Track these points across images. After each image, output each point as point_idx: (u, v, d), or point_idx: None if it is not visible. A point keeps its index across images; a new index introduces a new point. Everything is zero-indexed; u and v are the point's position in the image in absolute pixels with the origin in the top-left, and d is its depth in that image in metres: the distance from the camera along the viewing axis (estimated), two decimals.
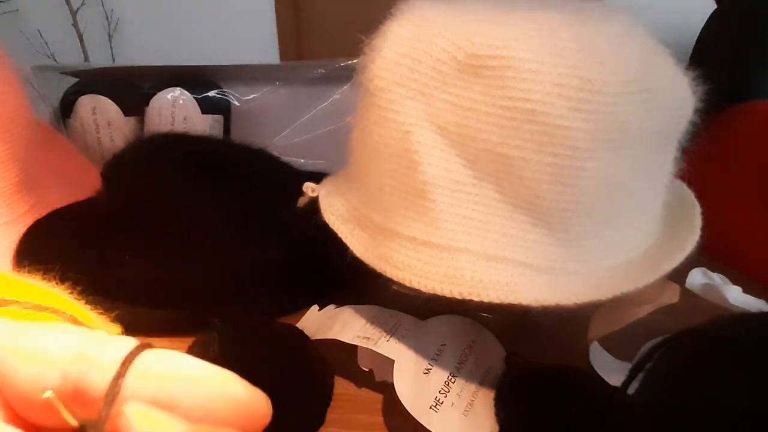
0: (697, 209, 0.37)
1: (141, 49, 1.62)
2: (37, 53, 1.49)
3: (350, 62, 0.63)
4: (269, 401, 0.14)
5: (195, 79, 0.67)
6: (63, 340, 0.13)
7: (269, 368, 0.34)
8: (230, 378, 0.14)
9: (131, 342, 0.14)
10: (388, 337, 0.35)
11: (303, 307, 0.42)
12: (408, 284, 0.32)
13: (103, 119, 0.64)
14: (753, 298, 0.39)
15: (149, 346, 0.14)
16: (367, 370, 0.36)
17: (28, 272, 0.27)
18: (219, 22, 1.57)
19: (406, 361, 0.34)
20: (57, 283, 0.26)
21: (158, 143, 0.51)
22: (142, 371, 0.13)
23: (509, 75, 0.29)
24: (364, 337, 0.35)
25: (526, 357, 0.36)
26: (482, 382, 0.35)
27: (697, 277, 0.42)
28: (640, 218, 0.34)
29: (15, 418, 0.13)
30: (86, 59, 1.55)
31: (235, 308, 0.41)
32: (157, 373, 0.13)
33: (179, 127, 0.64)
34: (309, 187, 0.41)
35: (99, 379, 0.13)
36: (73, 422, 0.12)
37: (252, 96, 0.68)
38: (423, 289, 0.31)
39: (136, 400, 0.13)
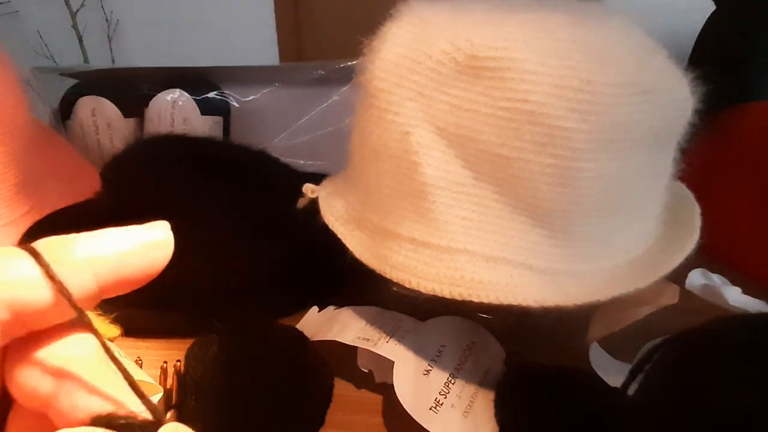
0: (697, 210, 0.37)
1: (140, 51, 1.62)
2: (37, 54, 1.49)
3: (350, 63, 0.63)
4: (168, 227, 0.17)
5: (194, 81, 0.67)
6: None
7: (269, 369, 0.34)
8: (134, 232, 0.16)
9: (22, 252, 0.14)
10: (388, 338, 0.35)
11: (302, 309, 0.42)
12: (407, 285, 0.32)
13: (103, 120, 0.64)
14: (752, 298, 0.39)
15: (32, 246, 0.14)
16: (366, 371, 0.36)
17: None
18: (219, 23, 1.58)
19: (405, 362, 0.34)
20: None
21: (158, 144, 0.51)
22: (74, 263, 0.14)
23: (509, 76, 0.29)
24: (363, 339, 0.35)
25: (526, 358, 0.36)
26: (482, 383, 0.35)
27: (696, 278, 0.42)
28: (639, 219, 0.34)
29: None
30: (86, 61, 1.55)
31: (235, 309, 0.41)
32: (89, 262, 0.15)
33: (179, 128, 0.64)
34: (309, 189, 0.41)
35: (36, 296, 0.14)
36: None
37: (251, 97, 0.68)
38: (422, 290, 0.31)
39: (87, 288, 0.14)
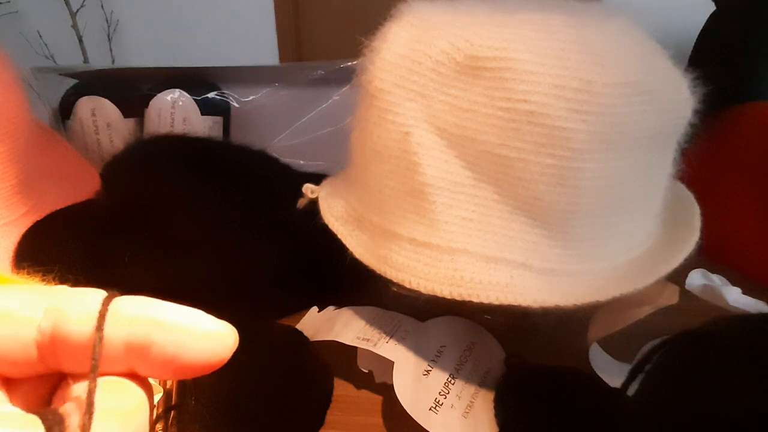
0: (697, 210, 0.37)
1: (140, 51, 1.62)
2: (37, 55, 1.49)
3: (350, 64, 0.63)
4: (235, 332, 0.15)
5: (194, 81, 0.67)
6: (31, 298, 0.14)
7: (269, 370, 0.34)
8: (198, 313, 0.15)
9: (101, 293, 0.14)
10: (388, 338, 0.35)
11: (302, 309, 0.42)
12: (407, 285, 0.32)
13: (103, 121, 0.64)
14: (752, 299, 0.39)
15: (117, 294, 0.14)
16: (366, 371, 0.36)
17: (28, 274, 0.27)
18: (218, 23, 1.57)
19: (405, 362, 0.34)
20: (56, 285, 0.26)
21: (158, 145, 0.51)
22: (117, 317, 0.14)
23: (508, 76, 0.29)
24: (363, 339, 0.35)
25: (526, 358, 0.36)
26: (482, 384, 0.35)
27: (696, 279, 0.41)
28: (639, 219, 0.34)
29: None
30: (86, 61, 1.54)
31: (235, 309, 0.41)
32: (130, 317, 0.14)
33: (179, 128, 0.64)
34: (308, 189, 0.41)
35: (77, 330, 0.14)
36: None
37: (251, 97, 0.68)
38: (422, 290, 0.31)
39: (113, 344, 0.14)
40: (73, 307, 0.14)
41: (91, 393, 0.13)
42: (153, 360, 0.14)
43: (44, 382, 0.15)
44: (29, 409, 0.14)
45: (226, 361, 0.15)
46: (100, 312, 0.14)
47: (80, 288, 0.14)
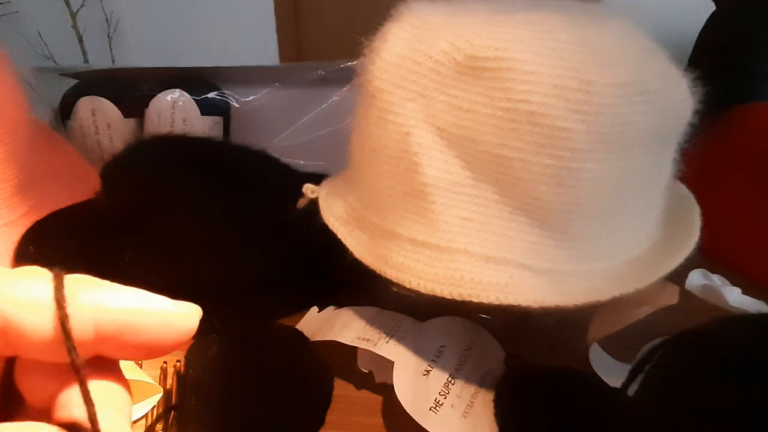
0: (697, 210, 0.37)
1: (140, 51, 1.62)
2: (37, 55, 1.49)
3: (350, 64, 0.63)
4: (198, 310, 0.15)
5: (194, 81, 0.67)
6: None
7: (269, 370, 0.34)
8: (159, 299, 0.15)
9: (46, 274, 0.14)
10: (388, 338, 0.35)
11: (302, 309, 0.42)
12: (407, 285, 0.32)
13: (103, 121, 0.64)
14: (752, 299, 0.39)
15: (63, 273, 0.14)
16: (366, 371, 0.36)
17: None
18: (218, 23, 1.57)
19: (405, 362, 0.34)
20: None
21: (158, 145, 0.51)
22: (81, 302, 0.13)
23: (508, 77, 0.29)
24: (363, 339, 0.35)
25: (526, 358, 0.36)
26: (482, 384, 0.35)
27: (696, 279, 0.42)
28: (639, 219, 0.34)
29: None
30: (86, 61, 1.54)
31: (235, 309, 0.41)
32: (93, 307, 0.14)
33: (179, 128, 0.64)
34: (308, 189, 0.41)
35: (33, 319, 0.13)
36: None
37: (251, 97, 0.68)
38: (422, 290, 0.31)
39: (83, 331, 0.13)
40: (20, 296, 0.13)
41: (84, 387, 0.13)
42: (125, 344, 0.14)
43: None
44: None
45: (187, 338, 0.15)
46: (57, 299, 0.13)
47: (20, 270, 0.14)
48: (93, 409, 0.13)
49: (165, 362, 0.35)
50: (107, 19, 1.56)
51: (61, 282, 0.13)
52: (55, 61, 1.50)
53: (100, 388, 0.14)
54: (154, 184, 0.44)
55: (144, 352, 0.14)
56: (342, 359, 0.37)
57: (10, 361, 0.14)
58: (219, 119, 0.66)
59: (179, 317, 0.15)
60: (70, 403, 0.13)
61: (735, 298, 0.39)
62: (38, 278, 0.14)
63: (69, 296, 0.13)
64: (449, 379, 0.34)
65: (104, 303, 0.14)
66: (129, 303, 0.14)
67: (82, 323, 0.13)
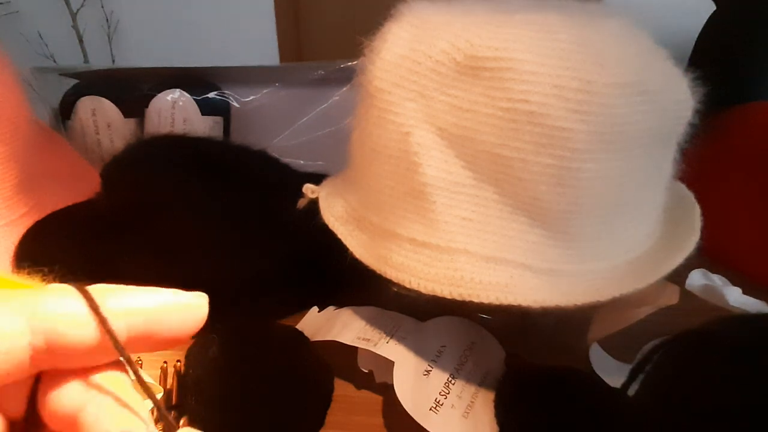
0: (697, 210, 0.37)
1: (141, 51, 1.62)
2: (37, 55, 1.49)
3: (350, 64, 0.63)
4: (206, 298, 0.17)
5: (195, 81, 0.67)
6: (7, 320, 0.14)
7: (269, 370, 0.34)
8: (168, 292, 0.16)
9: (69, 289, 0.15)
10: (388, 338, 0.35)
11: (303, 309, 0.42)
12: (407, 285, 0.32)
13: (103, 121, 0.64)
14: (753, 299, 0.39)
15: (83, 285, 0.15)
16: (366, 371, 0.36)
17: (28, 274, 0.27)
18: (219, 23, 1.57)
19: (405, 362, 0.34)
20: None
21: (158, 145, 0.51)
22: (111, 312, 0.15)
23: (508, 76, 0.29)
24: (363, 339, 0.35)
25: (526, 358, 0.36)
26: (482, 384, 0.35)
27: (697, 279, 0.42)
28: (639, 219, 0.34)
29: None
30: (86, 61, 1.54)
31: (235, 309, 0.41)
32: (124, 310, 0.15)
33: (179, 128, 0.64)
34: (309, 189, 0.41)
35: (76, 332, 0.14)
36: (153, 382, 0.14)
37: (252, 97, 0.68)
38: (422, 290, 0.31)
39: (119, 335, 0.14)
40: (62, 312, 0.14)
41: (139, 376, 0.15)
42: (153, 340, 0.15)
43: (23, 384, 0.15)
44: (9, 412, 0.14)
45: (198, 327, 0.16)
46: (94, 311, 0.14)
47: (43, 290, 0.15)
48: (152, 391, 0.15)
49: (165, 362, 0.35)
50: (107, 19, 1.56)
51: (88, 293, 0.15)
52: (55, 61, 1.50)
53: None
54: (154, 184, 0.44)
55: (168, 344, 0.16)
56: (342, 359, 0.37)
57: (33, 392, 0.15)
58: (219, 119, 0.66)
59: (194, 307, 0.16)
60: (99, 419, 0.14)
61: (735, 298, 0.39)
62: (66, 293, 0.15)
63: (100, 304, 0.14)
64: (449, 379, 0.34)
65: (132, 306, 0.15)
66: (152, 302, 0.16)
67: (116, 327, 0.15)
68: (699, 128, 0.34)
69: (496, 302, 0.30)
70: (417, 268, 0.32)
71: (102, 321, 0.14)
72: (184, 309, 0.16)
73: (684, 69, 0.33)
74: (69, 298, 0.15)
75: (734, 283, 0.41)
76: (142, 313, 0.15)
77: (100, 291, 0.15)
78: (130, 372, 0.15)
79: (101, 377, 0.15)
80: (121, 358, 0.15)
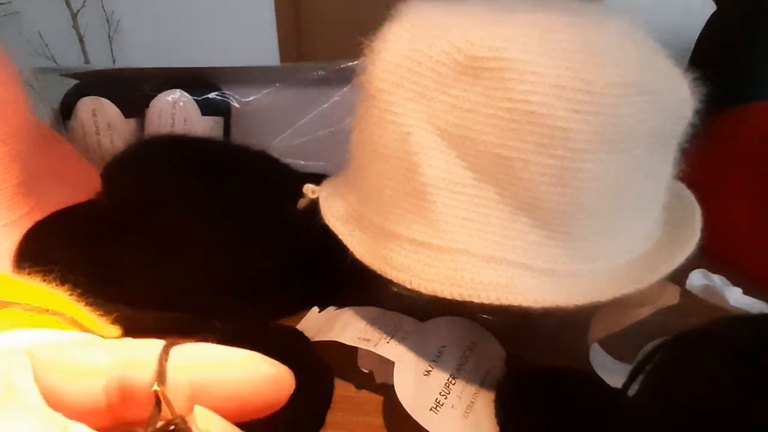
0: (697, 210, 0.37)
1: (141, 51, 1.62)
2: (38, 55, 1.49)
3: (350, 64, 0.63)
4: (292, 374, 0.16)
5: (195, 81, 0.67)
6: (98, 351, 0.14)
7: None
8: (256, 357, 0.15)
9: (160, 342, 0.15)
10: (389, 338, 0.35)
11: (303, 309, 0.42)
12: (408, 286, 0.32)
13: (104, 121, 0.64)
14: (753, 299, 0.39)
15: (177, 342, 0.15)
16: (367, 371, 0.36)
17: (29, 274, 0.27)
18: (219, 24, 1.57)
19: (406, 362, 0.34)
20: (57, 285, 0.26)
21: (158, 145, 0.51)
22: (178, 363, 0.14)
23: (509, 77, 0.29)
24: (364, 339, 0.35)
25: (527, 358, 0.36)
26: (482, 384, 0.35)
27: (697, 279, 0.41)
28: (640, 219, 0.34)
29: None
30: (86, 61, 1.54)
31: (235, 310, 0.41)
32: (190, 363, 0.15)
33: (179, 128, 0.64)
34: (309, 189, 0.41)
35: (142, 377, 0.14)
36: (175, 413, 0.14)
37: (252, 98, 0.68)
38: (423, 290, 0.31)
39: (176, 389, 0.14)
40: (139, 354, 0.14)
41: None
42: (217, 403, 0.14)
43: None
44: None
45: (285, 401, 0.16)
46: (159, 358, 0.14)
47: (142, 339, 0.15)
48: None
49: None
50: (108, 20, 1.56)
51: (169, 347, 0.15)
52: (55, 62, 1.50)
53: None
54: (155, 184, 0.44)
55: (239, 413, 0.15)
56: (342, 359, 0.37)
57: None
58: (219, 119, 0.66)
59: (273, 380, 0.15)
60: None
61: (736, 298, 0.39)
62: (153, 346, 0.15)
63: (170, 360, 0.14)
64: (450, 379, 0.34)
65: (199, 363, 0.15)
66: (225, 361, 0.15)
67: (177, 383, 0.14)
68: (699, 128, 0.34)
69: (497, 302, 0.30)
70: (417, 268, 0.32)
71: (159, 365, 0.14)
72: (262, 379, 0.15)
73: (684, 69, 0.33)
74: (151, 346, 0.15)
75: (734, 284, 0.41)
76: (209, 370, 0.15)
77: (183, 346, 0.15)
78: None
79: None
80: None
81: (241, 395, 0.15)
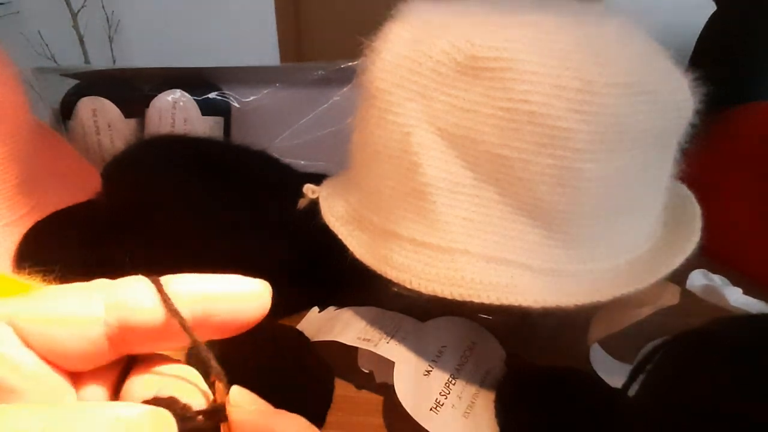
0: (698, 210, 0.37)
1: (141, 51, 1.62)
2: (38, 55, 1.49)
3: (350, 64, 0.63)
4: (269, 286, 0.17)
5: (195, 81, 0.67)
6: (85, 297, 0.15)
7: (269, 370, 0.34)
8: (234, 278, 0.17)
9: (139, 278, 0.16)
10: (389, 338, 0.35)
11: (303, 309, 0.42)
12: (408, 286, 0.32)
13: (104, 121, 0.64)
14: (753, 299, 0.39)
15: (155, 277, 0.16)
16: (367, 371, 0.36)
17: (29, 274, 0.27)
18: (219, 23, 1.58)
19: (406, 362, 0.34)
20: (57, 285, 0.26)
21: (158, 145, 0.51)
22: (176, 298, 0.16)
23: (509, 77, 0.29)
24: (364, 339, 0.35)
25: (527, 359, 0.36)
26: (482, 384, 0.35)
27: (697, 279, 0.41)
28: (640, 219, 0.34)
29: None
30: (87, 61, 1.55)
31: None
32: (187, 296, 0.16)
33: (179, 128, 0.64)
34: (309, 189, 0.41)
35: (141, 318, 0.15)
36: (199, 340, 0.15)
37: (252, 98, 0.68)
38: (423, 290, 0.31)
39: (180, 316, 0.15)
40: (132, 298, 0.15)
41: (208, 361, 0.16)
42: (210, 328, 0.16)
43: (112, 369, 0.16)
44: (107, 397, 0.15)
45: (266, 311, 0.17)
46: (162, 297, 0.15)
47: (119, 279, 0.16)
48: (221, 373, 0.16)
49: None
50: (108, 20, 1.56)
51: (156, 279, 0.16)
52: (56, 62, 1.51)
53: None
54: (155, 184, 0.44)
55: (229, 330, 0.17)
56: (342, 359, 0.37)
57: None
58: (219, 119, 0.66)
59: (255, 295, 0.17)
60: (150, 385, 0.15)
61: (736, 298, 0.39)
62: (136, 280, 0.16)
63: (170, 294, 0.15)
64: (450, 379, 0.34)
65: (194, 291, 0.16)
66: (212, 288, 0.17)
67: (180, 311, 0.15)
68: (699, 128, 0.34)
69: (497, 302, 0.30)
70: (417, 268, 0.32)
71: (168, 305, 0.15)
72: (245, 297, 0.17)
73: (684, 69, 0.33)
74: (138, 286, 0.15)
75: (734, 284, 0.41)
76: (202, 300, 0.16)
77: (166, 278, 0.16)
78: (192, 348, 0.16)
79: (173, 368, 0.16)
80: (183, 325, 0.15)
81: (234, 323, 0.17)
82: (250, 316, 0.17)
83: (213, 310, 0.16)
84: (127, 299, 0.15)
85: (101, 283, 0.16)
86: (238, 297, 0.17)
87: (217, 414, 0.15)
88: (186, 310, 0.15)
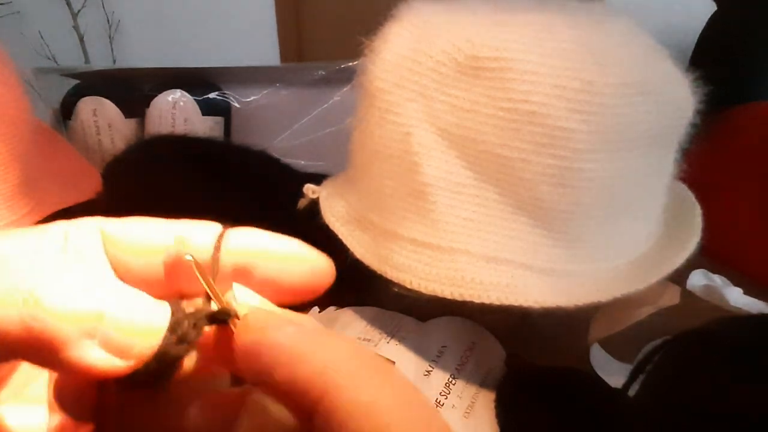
0: (698, 210, 0.37)
1: (142, 51, 1.62)
2: (38, 55, 1.49)
3: (351, 64, 0.63)
4: (333, 265, 0.17)
5: (195, 81, 0.67)
6: (160, 230, 0.16)
7: None
8: (303, 248, 0.17)
9: (217, 226, 0.16)
10: (389, 338, 0.35)
11: (303, 309, 0.42)
12: (408, 286, 0.32)
13: (104, 121, 0.64)
14: (754, 299, 0.39)
15: (231, 228, 0.17)
16: None
17: None
18: (219, 24, 1.57)
19: (406, 362, 0.34)
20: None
21: (159, 145, 0.51)
22: (227, 248, 0.16)
23: (509, 77, 0.29)
24: (364, 339, 0.35)
25: (527, 358, 0.36)
26: (483, 384, 0.35)
27: (697, 279, 0.41)
28: (640, 220, 0.34)
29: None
30: (87, 61, 1.54)
31: None
32: (238, 249, 0.16)
33: (180, 128, 0.64)
34: (309, 189, 0.41)
35: (197, 256, 0.15)
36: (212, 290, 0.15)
37: (252, 98, 0.68)
38: (423, 290, 0.31)
39: (223, 270, 0.16)
40: (196, 237, 0.16)
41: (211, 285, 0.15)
42: (256, 283, 0.16)
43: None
44: None
45: (326, 286, 0.17)
46: (216, 243, 0.16)
47: (201, 221, 0.17)
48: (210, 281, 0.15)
49: None
50: (108, 20, 1.56)
51: (224, 232, 0.16)
52: (56, 62, 1.50)
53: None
54: (156, 185, 0.44)
55: (274, 290, 0.16)
56: None
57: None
58: (220, 119, 0.66)
59: (309, 262, 0.17)
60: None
61: (736, 298, 0.39)
62: (207, 225, 0.16)
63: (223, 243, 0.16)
64: (450, 379, 0.34)
65: (245, 243, 0.16)
66: (264, 243, 0.16)
67: (224, 265, 0.16)
68: (699, 128, 0.34)
69: (498, 302, 0.30)
70: (418, 268, 0.32)
71: (214, 251, 0.15)
72: (292, 258, 0.16)
73: (685, 69, 0.33)
74: (210, 229, 0.16)
75: (735, 284, 0.41)
76: (249, 252, 0.16)
77: (235, 229, 0.16)
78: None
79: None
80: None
81: (279, 283, 0.16)
82: (296, 279, 0.16)
83: (255, 265, 0.16)
84: (192, 236, 0.16)
85: (181, 223, 0.16)
86: (285, 257, 0.16)
87: (225, 313, 0.15)
88: (230, 258, 0.16)
